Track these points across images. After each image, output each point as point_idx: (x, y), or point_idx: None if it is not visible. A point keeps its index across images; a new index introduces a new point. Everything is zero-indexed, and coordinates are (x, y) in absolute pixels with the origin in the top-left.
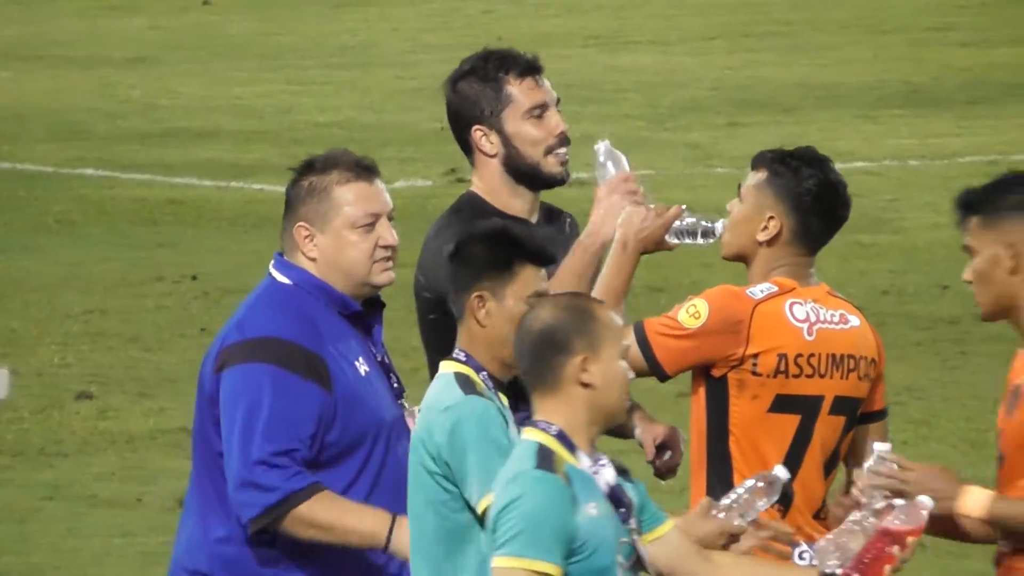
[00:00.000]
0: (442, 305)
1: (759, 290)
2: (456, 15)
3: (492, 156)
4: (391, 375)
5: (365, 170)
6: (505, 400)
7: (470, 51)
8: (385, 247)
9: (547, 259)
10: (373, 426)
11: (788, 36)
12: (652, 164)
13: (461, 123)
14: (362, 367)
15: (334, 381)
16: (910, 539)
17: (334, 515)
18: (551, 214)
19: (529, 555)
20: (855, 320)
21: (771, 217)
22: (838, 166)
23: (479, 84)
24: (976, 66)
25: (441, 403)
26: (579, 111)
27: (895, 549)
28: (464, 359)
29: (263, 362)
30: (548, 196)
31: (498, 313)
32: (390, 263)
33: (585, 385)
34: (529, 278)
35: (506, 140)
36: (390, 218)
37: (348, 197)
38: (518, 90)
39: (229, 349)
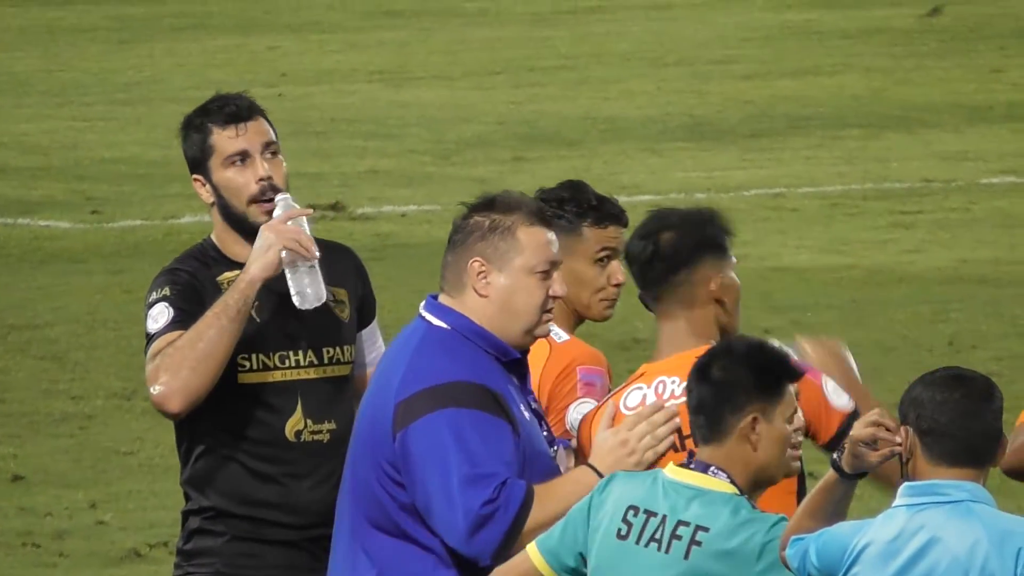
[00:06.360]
0: None
1: None
2: (241, 51)
3: (211, 205)
4: (543, 423)
5: (548, 218)
6: None
7: (255, 87)
8: (554, 298)
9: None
10: (549, 476)
11: (572, 70)
12: (437, 199)
13: (190, 172)
14: (525, 413)
15: (518, 424)
16: None
17: (551, 507)
18: (325, 249)
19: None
20: None
21: None
22: (623, 200)
23: (193, 133)
24: (759, 99)
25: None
26: (363, 146)
27: None
28: (726, 479)
29: (452, 407)
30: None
31: (767, 434)
32: (551, 315)
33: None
34: (792, 397)
35: (216, 189)
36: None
37: (532, 241)
38: (219, 139)
39: (407, 403)
